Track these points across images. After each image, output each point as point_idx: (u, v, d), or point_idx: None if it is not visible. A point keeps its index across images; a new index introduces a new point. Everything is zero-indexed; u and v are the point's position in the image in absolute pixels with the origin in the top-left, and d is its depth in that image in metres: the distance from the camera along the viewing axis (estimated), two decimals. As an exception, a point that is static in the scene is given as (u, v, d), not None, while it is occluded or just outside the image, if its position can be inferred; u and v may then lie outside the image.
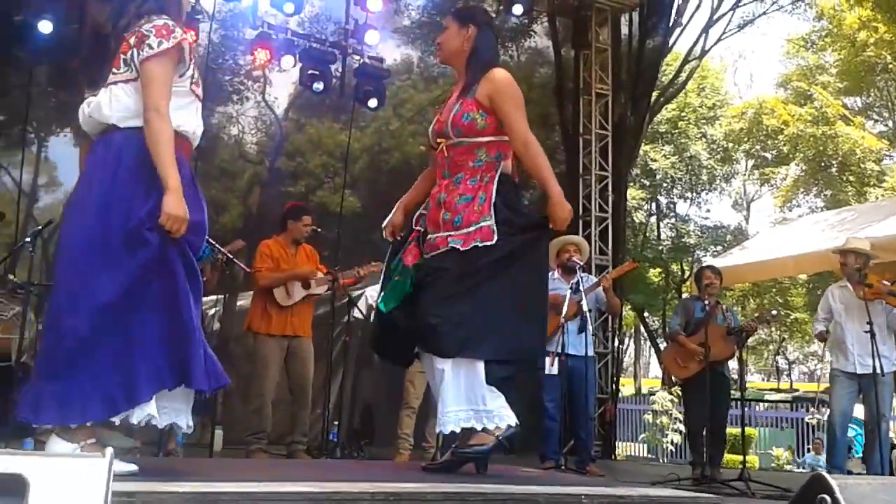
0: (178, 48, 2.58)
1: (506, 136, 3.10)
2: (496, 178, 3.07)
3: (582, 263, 6.21)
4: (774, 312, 6.76)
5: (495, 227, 2.99)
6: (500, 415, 2.95)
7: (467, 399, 2.95)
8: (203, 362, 2.47)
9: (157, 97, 2.51)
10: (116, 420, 2.41)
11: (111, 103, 2.58)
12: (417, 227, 3.21)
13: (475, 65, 3.18)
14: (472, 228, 2.98)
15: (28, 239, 5.28)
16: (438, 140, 3.16)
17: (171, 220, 2.45)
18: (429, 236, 3.09)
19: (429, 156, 3.44)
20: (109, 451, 1.36)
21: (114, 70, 2.63)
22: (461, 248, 2.97)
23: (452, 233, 3.00)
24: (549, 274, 6.47)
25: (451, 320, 2.92)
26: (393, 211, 3.38)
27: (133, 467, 2.41)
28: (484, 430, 2.98)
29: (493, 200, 3.02)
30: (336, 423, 7.56)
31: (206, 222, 2.67)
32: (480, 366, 2.95)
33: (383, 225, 3.35)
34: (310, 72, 8.89)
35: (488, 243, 2.97)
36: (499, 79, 3.11)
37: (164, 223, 2.45)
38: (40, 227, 5.65)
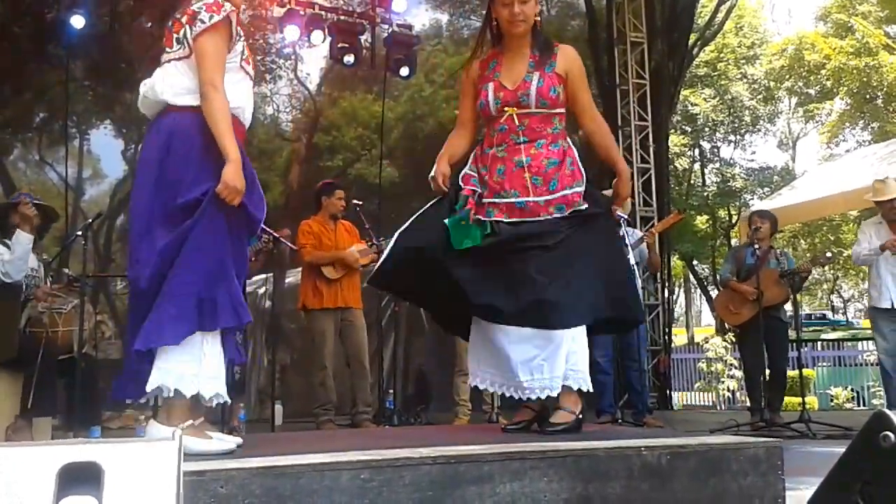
0: (228, 21, 2.62)
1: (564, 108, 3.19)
2: (574, 145, 3.18)
3: (626, 216, 6.17)
4: (829, 254, 6.67)
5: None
6: (584, 377, 3.04)
7: (561, 363, 2.98)
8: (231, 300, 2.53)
9: (212, 71, 2.56)
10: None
11: (164, 80, 2.64)
12: (471, 187, 3.17)
13: (540, 35, 3.23)
14: (568, 192, 3.05)
15: (79, 232, 5.38)
16: (506, 109, 3.15)
17: (227, 190, 2.50)
18: (511, 200, 3.07)
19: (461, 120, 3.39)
20: (178, 432, 1.40)
21: (167, 49, 2.68)
22: (564, 215, 3.03)
23: (548, 197, 3.04)
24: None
25: (568, 293, 2.96)
26: (437, 162, 3.29)
27: (230, 446, 2.51)
28: (561, 408, 3.06)
29: (581, 167, 3.13)
30: (391, 391, 7.67)
31: (263, 202, 2.71)
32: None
33: (430, 176, 3.26)
34: (340, 45, 8.88)
35: (583, 207, 3.05)
36: (573, 55, 3.22)
37: (220, 191, 2.50)
38: (90, 221, 5.76)
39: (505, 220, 3.06)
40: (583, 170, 3.13)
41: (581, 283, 2.98)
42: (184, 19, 2.64)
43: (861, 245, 6.12)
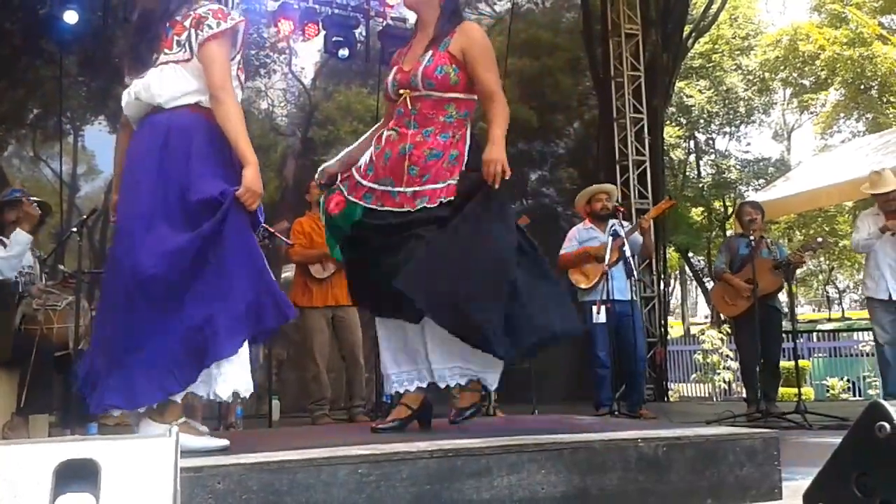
0: (234, 31, 2.64)
1: (475, 95, 2.99)
2: (467, 137, 2.96)
3: (612, 207, 6.19)
4: (821, 239, 6.70)
5: None
6: (485, 374, 3.01)
7: (456, 355, 2.96)
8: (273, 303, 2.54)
9: (222, 77, 2.57)
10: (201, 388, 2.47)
11: (161, 83, 2.61)
12: (347, 174, 3.07)
13: (448, 15, 3.05)
14: (439, 186, 2.86)
15: (74, 228, 5.37)
16: (401, 91, 3.00)
17: (248, 193, 2.51)
18: (387, 188, 2.92)
19: (385, 107, 3.24)
20: (175, 429, 1.40)
21: (165, 51, 2.66)
22: (428, 205, 2.85)
23: (417, 188, 2.87)
24: (581, 224, 6.49)
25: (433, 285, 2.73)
26: (335, 160, 3.20)
27: (225, 442, 2.50)
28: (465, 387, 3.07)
29: (466, 160, 2.91)
30: (388, 385, 7.67)
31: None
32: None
33: (320, 168, 3.21)
34: (334, 38, 8.87)
35: (451, 198, 2.85)
36: (474, 32, 3.00)
37: (241, 195, 2.49)
38: (85, 217, 5.74)
39: (378, 208, 2.92)
40: (465, 164, 2.89)
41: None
42: (187, 22, 2.62)
43: (860, 232, 6.13)
